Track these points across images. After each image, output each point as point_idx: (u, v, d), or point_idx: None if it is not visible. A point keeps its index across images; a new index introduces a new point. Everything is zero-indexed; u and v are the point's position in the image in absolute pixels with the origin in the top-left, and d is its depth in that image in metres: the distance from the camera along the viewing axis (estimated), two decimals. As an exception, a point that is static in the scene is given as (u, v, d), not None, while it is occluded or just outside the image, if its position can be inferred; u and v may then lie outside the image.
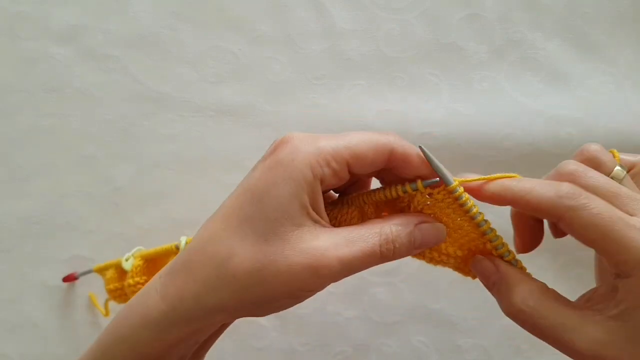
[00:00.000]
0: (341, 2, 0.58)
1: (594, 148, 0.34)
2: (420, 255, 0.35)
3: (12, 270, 0.57)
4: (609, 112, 0.56)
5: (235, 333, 0.56)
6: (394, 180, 0.34)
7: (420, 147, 0.31)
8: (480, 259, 0.34)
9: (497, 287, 0.33)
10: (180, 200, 0.57)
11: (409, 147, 0.31)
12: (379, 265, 0.58)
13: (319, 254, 0.28)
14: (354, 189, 0.36)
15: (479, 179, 0.32)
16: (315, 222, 0.30)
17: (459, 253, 0.35)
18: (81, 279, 0.56)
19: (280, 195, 0.28)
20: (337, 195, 0.37)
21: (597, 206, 0.29)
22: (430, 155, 0.31)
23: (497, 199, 0.32)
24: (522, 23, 0.57)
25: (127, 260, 0.47)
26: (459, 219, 0.33)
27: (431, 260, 0.36)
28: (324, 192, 0.32)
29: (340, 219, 0.33)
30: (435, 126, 0.56)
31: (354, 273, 0.30)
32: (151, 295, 0.31)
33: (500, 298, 0.32)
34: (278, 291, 0.29)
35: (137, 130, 0.58)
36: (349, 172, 0.30)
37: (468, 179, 0.32)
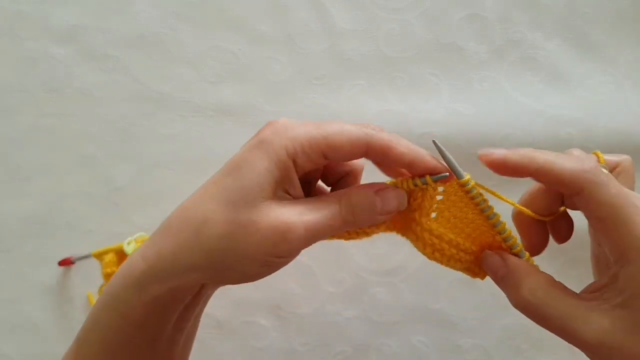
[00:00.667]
0: (341, 2, 0.58)
1: (578, 152, 0.35)
2: (432, 249, 0.36)
3: (12, 270, 0.57)
4: (609, 112, 0.56)
5: (235, 333, 0.56)
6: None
7: (433, 141, 0.33)
8: (489, 254, 0.34)
9: (505, 280, 0.33)
10: (180, 200, 0.57)
11: (388, 140, 0.32)
12: (379, 265, 0.58)
13: (285, 220, 0.31)
14: (345, 183, 0.37)
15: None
16: (284, 196, 0.32)
17: (473, 248, 0.36)
18: (81, 277, 0.56)
19: (255, 169, 0.31)
20: (328, 188, 0.38)
21: (616, 186, 0.30)
22: (443, 148, 0.33)
23: (521, 170, 0.32)
24: (522, 23, 0.57)
25: (128, 244, 0.48)
26: (470, 213, 0.34)
27: (442, 255, 0.36)
28: (303, 174, 0.34)
29: None
30: (435, 126, 0.56)
31: (321, 239, 0.33)
32: (134, 258, 0.33)
33: (508, 291, 0.33)
34: (248, 254, 0.31)
35: (137, 130, 0.58)
36: (327, 159, 0.32)
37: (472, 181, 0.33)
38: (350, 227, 0.33)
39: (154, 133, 0.58)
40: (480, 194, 0.33)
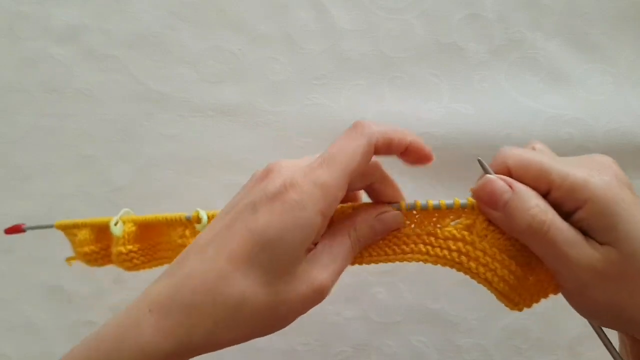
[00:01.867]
0: (341, 2, 0.58)
1: (540, 146, 0.36)
2: (485, 269, 0.35)
3: (12, 270, 0.57)
4: (609, 112, 0.56)
5: (235, 333, 0.56)
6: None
7: (478, 159, 0.34)
8: (491, 178, 0.32)
9: (511, 202, 0.31)
10: (180, 200, 0.57)
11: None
12: (379, 266, 0.58)
13: (320, 281, 0.31)
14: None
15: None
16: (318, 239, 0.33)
17: (513, 268, 0.35)
18: (81, 277, 0.56)
19: (291, 243, 0.30)
20: None
21: (533, 152, 0.33)
22: (487, 166, 0.33)
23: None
24: (522, 23, 0.57)
25: (116, 224, 0.42)
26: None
27: (494, 275, 0.35)
28: None
29: None
30: (435, 126, 0.56)
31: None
32: (145, 332, 0.30)
33: (514, 212, 0.31)
34: (291, 319, 0.32)
35: (137, 130, 0.58)
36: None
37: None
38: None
39: (154, 133, 0.58)
40: None
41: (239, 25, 0.58)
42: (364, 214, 0.35)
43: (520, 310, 0.36)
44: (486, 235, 0.34)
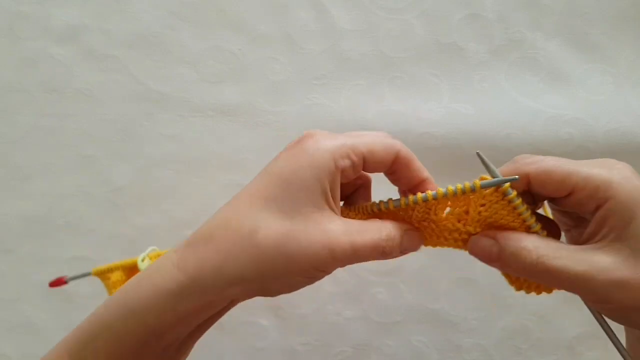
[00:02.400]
0: (341, 2, 0.58)
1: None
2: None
3: (12, 270, 0.57)
4: (609, 112, 0.56)
5: (235, 333, 0.56)
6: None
7: (477, 153, 0.33)
8: (475, 238, 0.34)
9: (502, 255, 0.33)
10: (180, 200, 0.57)
11: (410, 153, 0.34)
12: (379, 266, 0.58)
13: (335, 236, 0.31)
14: (358, 195, 0.38)
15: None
16: (332, 209, 0.32)
17: None
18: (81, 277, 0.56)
19: (305, 179, 0.31)
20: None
21: (551, 159, 0.33)
22: (487, 160, 0.33)
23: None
24: (522, 23, 0.57)
25: (143, 260, 0.44)
26: (512, 221, 0.34)
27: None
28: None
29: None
30: (435, 126, 0.56)
31: (358, 262, 0.33)
32: (167, 267, 0.32)
33: (509, 264, 0.32)
34: (297, 265, 0.31)
35: (137, 130, 0.58)
36: (365, 164, 0.33)
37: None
38: (381, 258, 0.34)
39: (154, 133, 0.58)
40: (524, 204, 0.33)
41: (239, 25, 0.58)
42: (394, 222, 0.35)
43: (527, 292, 0.36)
44: (479, 221, 0.34)
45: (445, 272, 0.56)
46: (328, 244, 0.31)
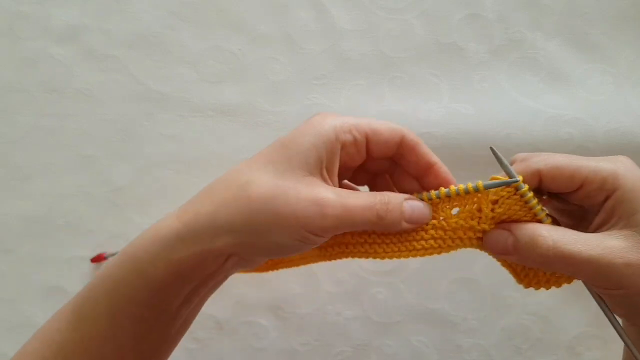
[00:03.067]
0: (341, 2, 0.58)
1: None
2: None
3: (12, 270, 0.57)
4: (609, 112, 0.56)
5: (235, 333, 0.56)
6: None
7: (491, 147, 0.35)
8: (491, 232, 0.35)
9: (518, 246, 0.33)
10: (180, 200, 0.57)
11: (417, 137, 0.36)
12: (379, 266, 0.58)
13: (325, 196, 0.32)
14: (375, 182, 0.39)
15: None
16: (325, 179, 0.34)
17: None
18: (81, 278, 0.56)
19: (303, 143, 0.33)
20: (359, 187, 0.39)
21: (560, 155, 0.34)
22: (501, 155, 0.34)
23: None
24: (522, 23, 0.57)
25: None
26: (524, 217, 0.34)
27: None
28: (345, 166, 0.36)
29: None
30: (435, 126, 0.56)
31: (351, 228, 0.34)
32: (169, 218, 0.34)
33: (526, 253, 0.33)
34: (284, 220, 0.31)
35: (137, 130, 0.58)
36: (367, 151, 0.35)
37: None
38: (379, 227, 0.34)
39: (154, 133, 0.58)
40: (535, 199, 0.34)
41: (239, 25, 0.58)
42: (394, 193, 0.35)
43: (537, 289, 0.37)
44: (493, 218, 0.34)
45: (445, 272, 0.56)
46: (317, 201, 0.31)
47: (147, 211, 0.57)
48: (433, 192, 0.35)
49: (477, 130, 0.55)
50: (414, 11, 0.58)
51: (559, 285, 0.36)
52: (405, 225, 0.34)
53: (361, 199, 0.33)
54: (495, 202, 0.34)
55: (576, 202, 0.34)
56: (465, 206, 0.35)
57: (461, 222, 0.35)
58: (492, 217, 0.34)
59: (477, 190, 0.34)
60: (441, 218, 0.36)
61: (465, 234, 0.35)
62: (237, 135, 0.58)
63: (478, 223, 0.35)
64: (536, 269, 0.36)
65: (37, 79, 0.58)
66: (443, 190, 0.35)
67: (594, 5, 0.57)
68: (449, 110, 0.56)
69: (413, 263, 0.56)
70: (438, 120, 0.56)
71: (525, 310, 0.56)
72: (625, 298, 0.32)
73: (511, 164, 0.35)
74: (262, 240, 0.32)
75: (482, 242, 0.35)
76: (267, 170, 0.33)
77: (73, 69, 0.58)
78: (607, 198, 0.32)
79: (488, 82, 0.57)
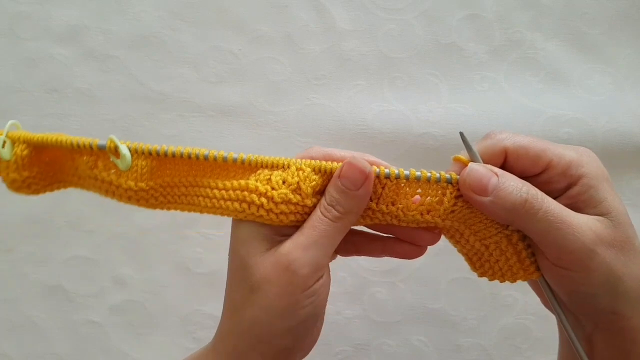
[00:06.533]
0: (341, 2, 0.58)
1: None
2: (447, 234, 0.37)
3: (12, 270, 0.57)
4: (608, 112, 0.56)
5: (235, 333, 0.56)
6: None
7: (460, 133, 0.34)
8: (474, 166, 0.33)
9: (499, 186, 0.32)
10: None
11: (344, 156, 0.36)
12: (379, 265, 0.58)
13: (283, 254, 0.33)
14: None
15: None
16: (279, 239, 0.34)
17: (477, 245, 0.36)
18: (81, 277, 0.56)
19: (245, 232, 0.35)
20: None
21: (525, 136, 0.35)
22: (469, 142, 0.34)
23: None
24: (522, 23, 0.57)
25: (3, 146, 0.37)
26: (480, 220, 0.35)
27: (452, 239, 0.37)
28: None
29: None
30: (435, 126, 0.56)
31: (329, 248, 0.34)
32: None
33: (504, 194, 0.32)
34: (274, 310, 0.33)
35: (137, 130, 0.58)
36: None
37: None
38: (347, 221, 0.34)
39: (154, 133, 0.58)
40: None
41: (239, 25, 0.58)
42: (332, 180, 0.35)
43: (491, 280, 0.37)
44: (453, 212, 0.34)
45: (445, 271, 0.56)
46: (276, 263, 0.33)
47: (147, 211, 0.57)
48: (402, 170, 0.34)
49: (476, 130, 0.55)
50: (414, 11, 0.58)
51: (513, 280, 0.35)
52: (357, 193, 0.34)
53: (308, 225, 0.34)
54: (459, 196, 0.34)
55: (537, 187, 0.33)
56: (426, 197, 0.34)
57: (417, 216, 0.35)
58: (452, 212, 0.34)
59: (449, 182, 0.34)
60: (400, 206, 0.35)
61: (417, 225, 0.35)
62: (237, 135, 0.58)
63: (432, 217, 0.34)
64: (493, 261, 0.35)
65: (37, 79, 0.58)
66: (413, 172, 0.34)
67: (593, 5, 0.57)
68: (449, 110, 0.57)
69: (413, 263, 0.56)
70: (438, 120, 0.56)
71: (525, 310, 0.56)
72: (578, 283, 0.31)
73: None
74: (283, 342, 0.36)
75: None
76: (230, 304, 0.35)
77: (73, 69, 0.58)
78: (569, 185, 0.32)
79: (488, 82, 0.57)
